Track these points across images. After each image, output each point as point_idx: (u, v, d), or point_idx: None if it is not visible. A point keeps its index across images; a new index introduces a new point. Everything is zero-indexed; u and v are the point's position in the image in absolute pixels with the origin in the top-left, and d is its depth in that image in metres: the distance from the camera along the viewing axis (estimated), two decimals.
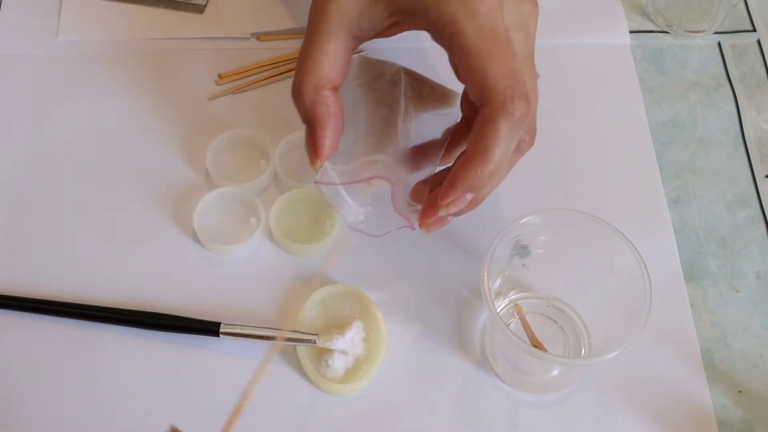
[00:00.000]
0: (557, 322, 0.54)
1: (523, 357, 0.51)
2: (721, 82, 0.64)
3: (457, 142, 0.52)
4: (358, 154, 0.50)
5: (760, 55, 0.66)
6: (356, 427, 0.50)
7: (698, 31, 0.66)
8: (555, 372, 0.52)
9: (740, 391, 0.52)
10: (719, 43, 0.66)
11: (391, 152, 0.50)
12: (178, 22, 0.65)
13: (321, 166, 0.49)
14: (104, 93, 0.62)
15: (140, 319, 0.52)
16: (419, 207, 0.50)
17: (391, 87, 0.53)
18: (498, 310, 0.50)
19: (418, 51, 0.64)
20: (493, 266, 0.48)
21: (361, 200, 0.51)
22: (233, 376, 0.52)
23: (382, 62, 0.54)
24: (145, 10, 0.65)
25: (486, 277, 0.47)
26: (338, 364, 0.50)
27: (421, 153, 0.52)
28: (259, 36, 0.65)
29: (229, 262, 0.55)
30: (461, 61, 0.46)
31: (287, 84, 0.62)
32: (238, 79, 0.63)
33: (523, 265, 0.53)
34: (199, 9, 0.65)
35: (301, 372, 0.51)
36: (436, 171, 0.51)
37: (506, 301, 0.54)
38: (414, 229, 0.50)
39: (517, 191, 0.58)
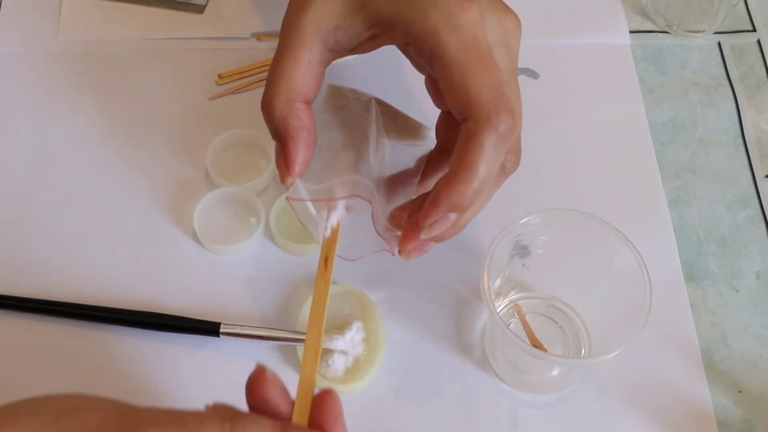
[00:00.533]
0: (557, 322, 0.54)
1: (523, 357, 0.51)
2: (721, 82, 0.64)
3: (432, 171, 0.50)
4: (332, 173, 0.48)
5: (760, 55, 0.66)
6: (356, 427, 0.50)
7: (698, 31, 0.66)
8: (555, 372, 0.52)
9: (740, 391, 0.52)
10: (719, 43, 0.66)
11: (366, 174, 0.48)
12: (178, 22, 0.65)
13: (292, 183, 0.47)
14: (104, 93, 0.62)
15: (140, 319, 0.52)
16: (399, 232, 0.47)
17: (363, 113, 0.51)
18: (498, 310, 0.50)
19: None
20: (493, 266, 0.48)
21: (335, 221, 0.48)
22: (233, 376, 0.51)
23: (352, 90, 0.52)
24: (145, 10, 0.65)
25: (486, 277, 0.47)
26: (338, 364, 0.50)
27: (395, 182, 0.50)
28: (259, 36, 0.65)
29: (229, 262, 0.55)
30: (443, 75, 0.44)
31: None
32: (238, 79, 0.63)
33: (523, 265, 0.53)
34: (199, 9, 0.65)
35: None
36: (411, 199, 0.49)
37: (506, 301, 0.54)
38: (394, 254, 0.48)
39: (517, 191, 0.58)
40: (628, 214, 0.57)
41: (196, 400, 0.51)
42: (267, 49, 0.64)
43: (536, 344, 0.50)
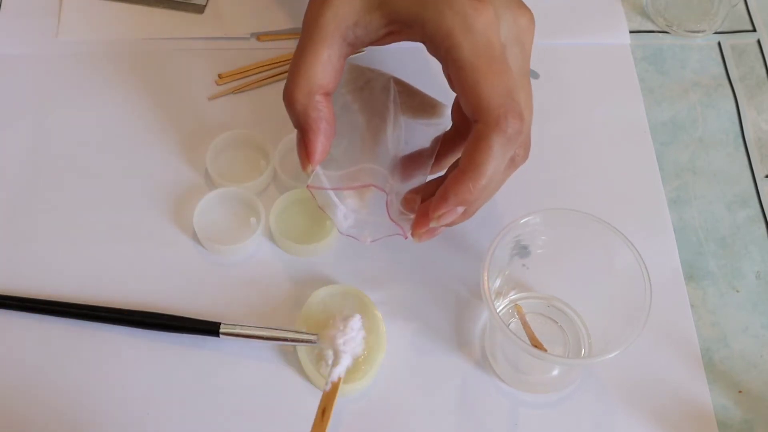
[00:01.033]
0: (557, 322, 0.54)
1: (523, 357, 0.51)
2: (721, 82, 0.64)
3: (447, 151, 0.52)
4: (350, 161, 0.50)
5: (760, 55, 0.66)
6: (356, 427, 0.50)
7: (698, 31, 0.66)
8: (555, 372, 0.52)
9: (740, 391, 0.52)
10: (719, 43, 0.66)
11: (382, 160, 0.50)
12: (178, 22, 0.65)
13: (313, 171, 0.49)
14: (104, 93, 0.62)
15: (140, 319, 0.52)
16: (411, 216, 0.50)
17: (381, 95, 0.53)
18: (498, 310, 0.50)
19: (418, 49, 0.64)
20: (493, 266, 0.48)
21: (352, 206, 0.51)
22: (233, 376, 0.52)
23: (371, 70, 0.54)
24: (145, 10, 0.65)
25: (486, 277, 0.47)
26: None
27: (411, 162, 0.52)
28: (259, 36, 0.65)
29: (229, 262, 0.55)
30: (456, 76, 0.46)
31: None
32: (238, 79, 0.63)
33: (523, 265, 0.53)
34: (199, 9, 0.65)
35: (301, 372, 0.51)
36: (426, 180, 0.51)
37: (506, 301, 0.54)
38: (407, 238, 0.50)
39: (517, 191, 0.58)
40: (628, 214, 0.57)
41: (196, 400, 0.51)
42: (267, 49, 0.64)
43: (536, 344, 0.50)
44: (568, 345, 0.53)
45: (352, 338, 0.50)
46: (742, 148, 0.61)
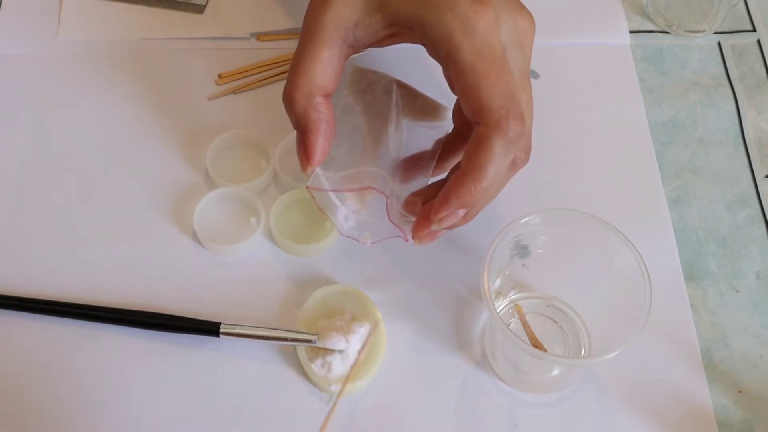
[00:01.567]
0: (557, 322, 0.54)
1: (523, 357, 0.51)
2: (721, 82, 0.64)
3: (448, 154, 0.52)
4: (351, 163, 0.50)
5: (760, 55, 0.66)
6: (356, 427, 0.50)
7: (698, 31, 0.66)
8: (555, 372, 0.52)
9: (740, 391, 0.52)
10: (719, 43, 0.66)
11: (383, 162, 0.51)
12: (178, 22, 0.65)
13: (312, 172, 0.49)
14: (104, 93, 0.62)
15: (140, 319, 0.52)
16: (412, 219, 0.50)
17: (383, 97, 0.53)
18: (498, 310, 0.50)
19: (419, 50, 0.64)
20: (493, 266, 0.48)
21: (353, 208, 0.52)
22: (233, 376, 0.52)
23: (374, 72, 0.54)
24: (145, 10, 0.65)
25: (486, 277, 0.47)
26: (338, 364, 0.50)
27: (412, 164, 0.52)
28: (259, 36, 0.65)
29: (229, 262, 0.55)
30: (457, 78, 0.46)
31: None
32: (238, 79, 0.63)
33: (523, 265, 0.53)
34: (199, 9, 0.65)
35: (301, 372, 0.51)
36: (428, 182, 0.51)
37: (506, 301, 0.54)
38: (407, 241, 0.50)
39: (517, 191, 0.58)
40: (628, 214, 0.57)
41: (196, 400, 0.51)
42: (267, 49, 0.64)
43: (536, 344, 0.50)
44: (568, 345, 0.53)
45: (353, 342, 0.51)
46: (742, 148, 0.61)
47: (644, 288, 0.47)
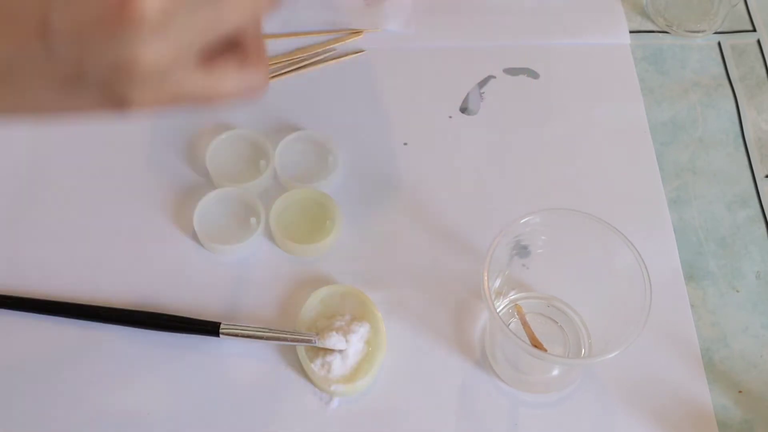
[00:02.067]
0: (557, 322, 0.54)
1: (523, 357, 0.51)
2: (721, 82, 0.64)
3: None
4: None
5: (760, 55, 0.66)
6: (356, 427, 0.50)
7: (698, 31, 0.66)
8: (555, 372, 0.52)
9: (740, 391, 0.52)
10: (719, 43, 0.66)
11: None
12: None
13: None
14: None
15: (140, 319, 0.52)
16: None
17: None
18: (498, 310, 0.50)
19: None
20: (493, 266, 0.48)
21: None
22: (233, 376, 0.52)
23: None
24: None
25: (486, 277, 0.47)
26: (338, 364, 0.50)
27: None
28: None
29: (229, 262, 0.55)
30: None
31: (287, 84, 0.63)
32: None
33: (523, 265, 0.53)
34: None
35: (301, 372, 0.51)
36: None
37: (506, 301, 0.54)
38: None
39: (517, 191, 0.58)
40: (628, 214, 0.57)
41: (197, 400, 0.51)
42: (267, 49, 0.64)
43: (536, 344, 0.50)
44: (568, 345, 0.53)
45: (352, 342, 0.51)
46: (742, 148, 0.61)
47: (644, 288, 0.47)
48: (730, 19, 0.67)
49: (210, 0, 0.35)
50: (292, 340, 0.51)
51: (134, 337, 0.52)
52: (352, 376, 0.50)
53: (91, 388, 0.51)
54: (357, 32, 0.65)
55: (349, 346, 0.51)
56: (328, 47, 0.64)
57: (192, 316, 0.52)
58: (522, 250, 0.52)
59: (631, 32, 0.66)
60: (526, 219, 0.49)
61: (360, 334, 0.51)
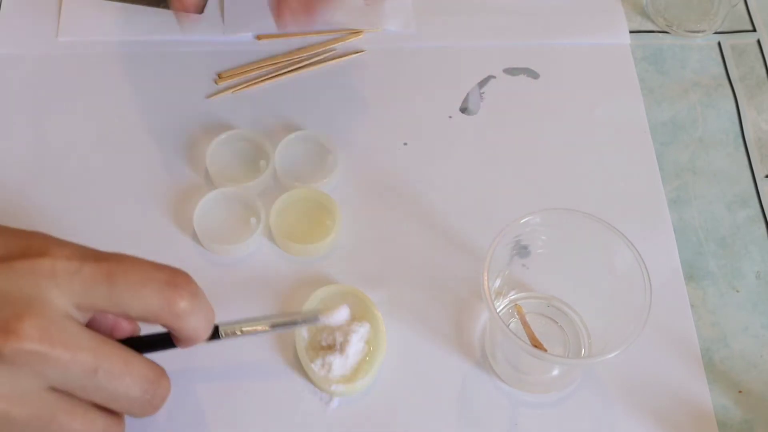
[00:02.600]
0: (557, 322, 0.54)
1: (523, 357, 0.51)
2: (721, 82, 0.64)
3: None
4: None
5: (760, 55, 0.66)
6: (356, 427, 0.50)
7: (698, 31, 0.66)
8: (555, 372, 0.52)
9: (740, 391, 0.52)
10: (719, 43, 0.66)
11: None
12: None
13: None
14: (104, 93, 0.62)
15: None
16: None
17: None
18: (498, 310, 0.50)
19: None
20: (493, 266, 0.48)
21: None
22: (233, 377, 0.52)
23: None
24: (145, 11, 0.65)
25: (486, 277, 0.47)
26: (338, 364, 0.50)
27: None
28: (258, 36, 0.65)
29: (229, 262, 0.55)
30: None
31: (287, 84, 0.63)
32: (237, 79, 0.63)
33: (523, 265, 0.53)
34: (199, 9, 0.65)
35: (301, 372, 0.51)
36: None
37: (506, 301, 0.54)
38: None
39: (517, 191, 0.58)
40: (628, 214, 0.57)
41: (196, 401, 0.51)
42: (267, 50, 0.64)
43: (536, 344, 0.50)
44: (568, 345, 0.53)
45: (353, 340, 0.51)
46: (742, 148, 0.61)
47: (644, 288, 0.47)
48: (730, 19, 0.67)
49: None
50: (291, 324, 0.49)
51: None
52: (352, 376, 0.50)
53: None
54: (357, 32, 0.65)
55: (349, 346, 0.51)
56: (328, 47, 0.64)
57: None
58: (522, 250, 0.52)
59: (631, 32, 0.66)
60: (526, 219, 0.49)
61: (360, 334, 0.51)
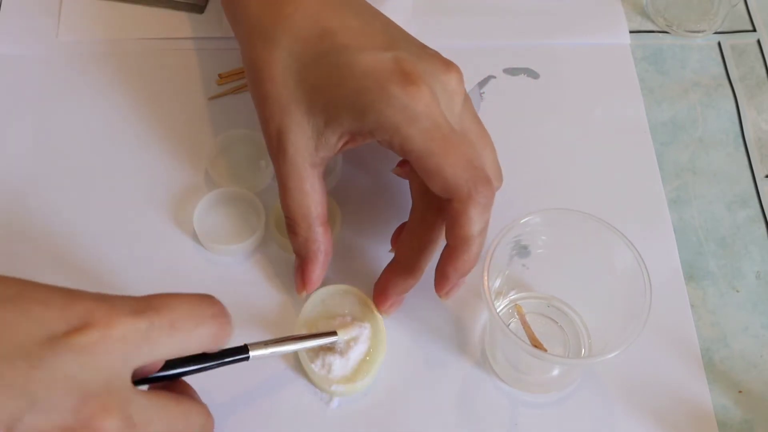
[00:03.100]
0: (557, 322, 0.54)
1: (523, 357, 0.51)
2: (721, 82, 0.64)
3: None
4: None
5: (760, 55, 0.66)
6: (356, 427, 0.50)
7: (698, 31, 0.66)
8: (555, 372, 0.52)
9: (740, 391, 0.52)
10: (719, 43, 0.66)
11: None
12: (179, 22, 0.65)
13: (307, 296, 0.53)
14: (104, 93, 0.62)
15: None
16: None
17: None
18: (498, 310, 0.50)
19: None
20: (493, 266, 0.48)
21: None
22: (233, 377, 0.51)
23: None
24: (145, 10, 0.65)
25: (486, 277, 0.47)
26: (338, 364, 0.50)
27: None
28: None
29: (229, 262, 0.55)
30: (417, 165, 0.47)
31: None
32: (238, 80, 0.63)
33: (523, 265, 0.53)
34: (199, 9, 0.65)
35: (301, 372, 0.51)
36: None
37: (506, 301, 0.54)
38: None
39: (517, 191, 0.58)
40: (628, 214, 0.57)
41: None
42: None
43: (536, 344, 0.50)
44: (568, 345, 0.53)
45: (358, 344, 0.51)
46: (742, 148, 0.61)
47: (644, 288, 0.47)
48: (730, 19, 0.67)
49: None
50: (314, 337, 0.50)
51: None
52: (352, 376, 0.50)
53: None
54: None
55: (349, 349, 0.51)
56: None
57: None
58: (522, 250, 0.52)
59: (631, 32, 0.66)
60: (526, 219, 0.49)
61: (360, 336, 0.51)
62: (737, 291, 0.55)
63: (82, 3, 0.65)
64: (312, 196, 0.50)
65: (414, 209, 0.52)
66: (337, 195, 0.57)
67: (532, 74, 0.64)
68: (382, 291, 0.52)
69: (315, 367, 0.51)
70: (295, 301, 0.54)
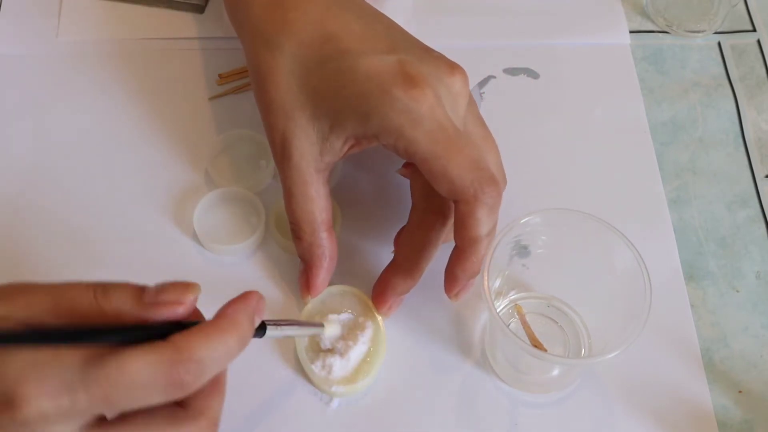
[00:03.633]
0: (557, 322, 0.54)
1: (523, 357, 0.51)
2: (721, 82, 0.64)
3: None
4: None
5: (760, 55, 0.66)
6: (356, 427, 0.50)
7: (698, 31, 0.66)
8: (555, 372, 0.52)
9: (740, 391, 0.52)
10: (719, 43, 0.66)
11: None
12: (179, 22, 0.65)
13: (310, 301, 0.53)
14: (104, 93, 0.62)
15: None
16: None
17: None
18: (498, 310, 0.50)
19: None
20: (493, 266, 0.48)
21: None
22: (233, 377, 0.51)
23: None
24: (145, 10, 0.65)
25: (486, 277, 0.47)
26: (338, 365, 0.50)
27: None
28: None
29: (229, 262, 0.55)
30: (423, 168, 0.47)
31: None
32: (238, 80, 0.63)
33: (523, 265, 0.53)
34: (199, 9, 0.65)
35: (301, 372, 0.51)
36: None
37: (506, 301, 0.54)
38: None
39: (517, 191, 0.58)
40: (628, 214, 0.57)
41: None
42: None
43: (536, 344, 0.50)
44: (568, 345, 0.53)
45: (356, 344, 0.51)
46: (742, 148, 0.61)
47: (644, 288, 0.47)
48: (730, 19, 0.67)
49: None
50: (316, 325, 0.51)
51: None
52: (352, 377, 0.50)
53: None
54: None
55: (348, 350, 0.51)
56: None
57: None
58: (522, 250, 0.52)
59: (631, 32, 0.66)
60: (526, 219, 0.49)
61: (361, 339, 0.51)
62: (737, 291, 0.55)
63: (82, 3, 0.65)
64: (317, 201, 0.50)
65: (414, 210, 0.51)
66: (338, 195, 0.57)
67: (532, 74, 0.64)
68: (381, 292, 0.52)
69: (315, 368, 0.51)
70: (295, 302, 0.54)
